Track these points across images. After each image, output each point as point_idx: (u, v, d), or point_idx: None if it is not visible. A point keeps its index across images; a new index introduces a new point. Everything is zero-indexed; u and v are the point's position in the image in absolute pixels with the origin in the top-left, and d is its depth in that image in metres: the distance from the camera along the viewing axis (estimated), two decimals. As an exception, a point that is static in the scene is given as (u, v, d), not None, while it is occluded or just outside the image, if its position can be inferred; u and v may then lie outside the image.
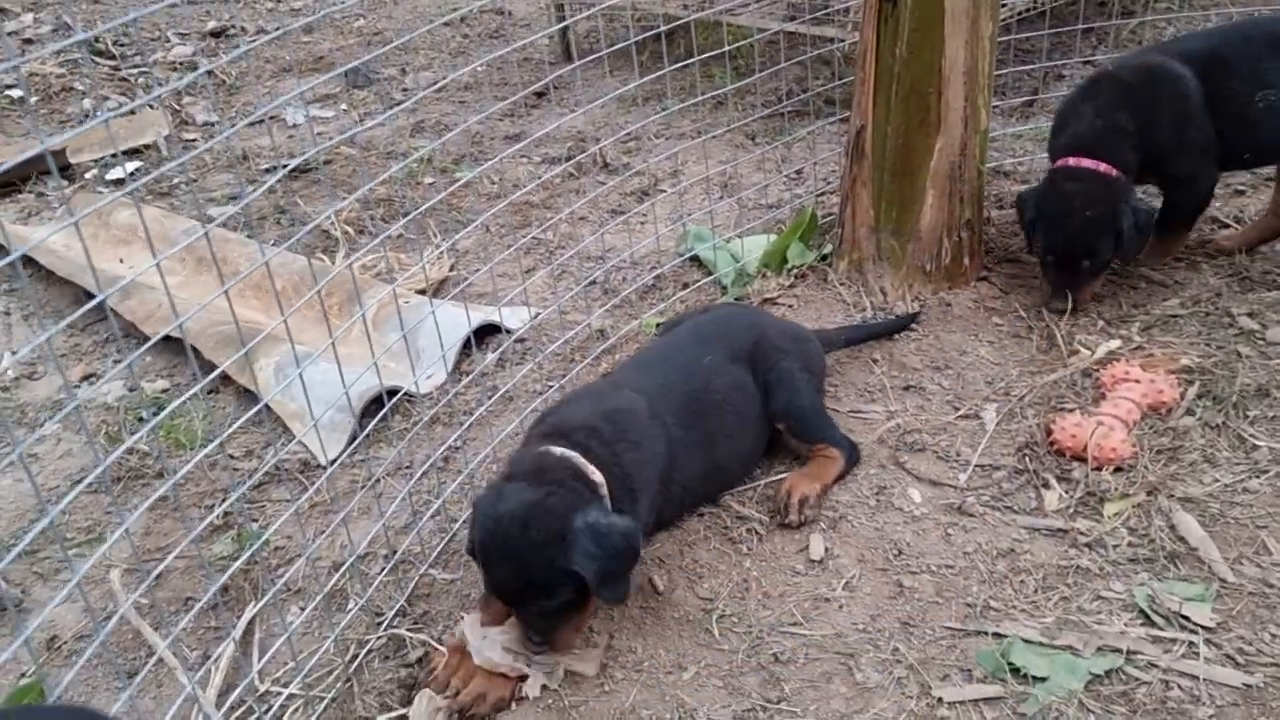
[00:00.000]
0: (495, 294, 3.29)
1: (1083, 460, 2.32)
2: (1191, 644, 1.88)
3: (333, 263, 3.67)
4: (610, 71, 4.63)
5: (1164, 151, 2.75)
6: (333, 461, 2.61)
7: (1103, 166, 2.70)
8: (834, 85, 3.79)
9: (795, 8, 4.28)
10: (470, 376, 2.88)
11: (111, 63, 5.63)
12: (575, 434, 2.03)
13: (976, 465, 2.38)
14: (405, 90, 5.20)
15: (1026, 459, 2.37)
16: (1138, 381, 2.45)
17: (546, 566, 1.82)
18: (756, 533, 2.25)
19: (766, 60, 3.91)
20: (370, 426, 2.37)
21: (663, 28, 3.05)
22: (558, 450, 1.98)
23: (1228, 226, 3.08)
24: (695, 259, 3.33)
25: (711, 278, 3.21)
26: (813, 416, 2.36)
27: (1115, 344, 2.64)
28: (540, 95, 4.86)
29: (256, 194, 2.14)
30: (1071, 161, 2.74)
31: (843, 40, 3.94)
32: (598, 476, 1.96)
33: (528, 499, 1.86)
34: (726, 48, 3.19)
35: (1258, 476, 2.21)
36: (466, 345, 3.05)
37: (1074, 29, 3.64)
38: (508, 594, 1.90)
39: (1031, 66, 3.86)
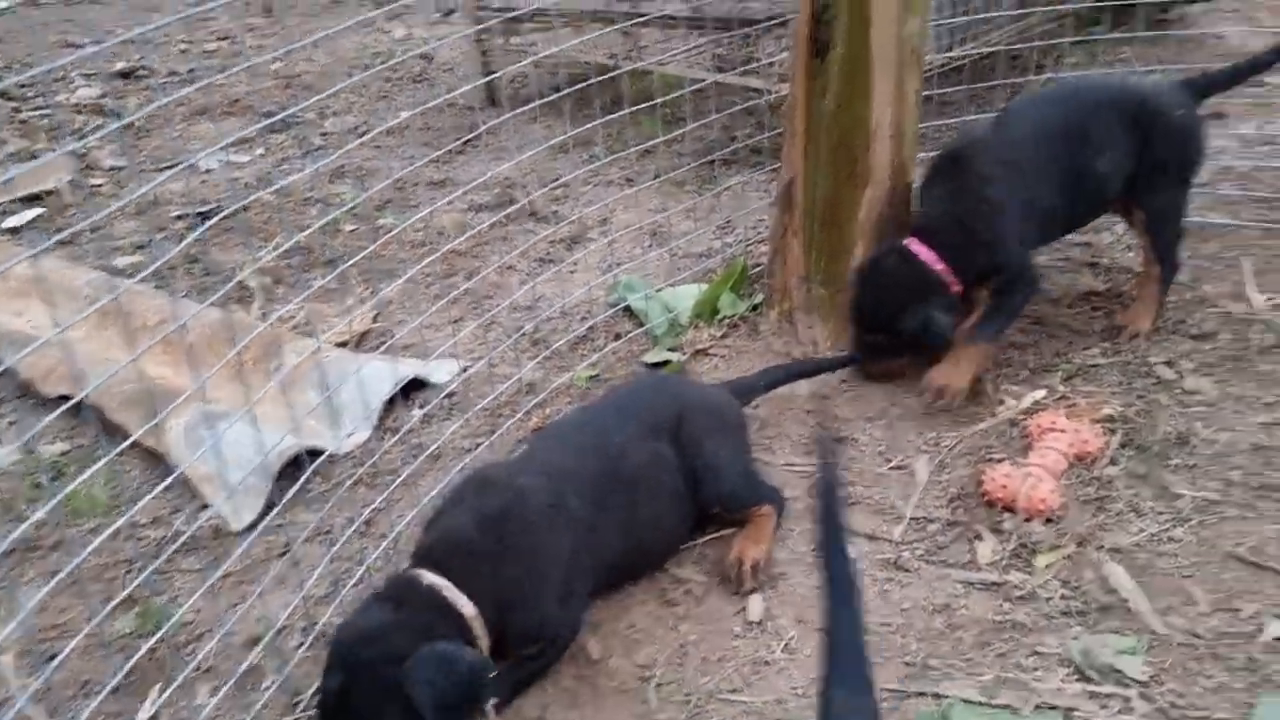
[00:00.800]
0: (422, 346, 3.20)
1: (1013, 511, 2.33)
2: (1126, 699, 1.88)
3: (248, 313, 3.53)
4: (536, 118, 4.60)
5: (1005, 261, 2.70)
6: (247, 528, 2.48)
7: (925, 254, 2.65)
8: (762, 136, 3.83)
9: (722, 59, 4.33)
10: (396, 435, 2.78)
11: (11, 104, 5.40)
12: (450, 559, 1.94)
13: (911, 518, 2.37)
14: (324, 134, 5.10)
15: (959, 511, 2.37)
16: (1063, 431, 2.48)
17: (376, 687, 1.72)
18: (693, 594, 2.20)
19: (695, 110, 3.93)
20: (291, 492, 2.25)
21: (594, 78, 3.03)
22: (428, 579, 1.89)
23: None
24: (627, 309, 3.30)
25: (644, 329, 3.18)
26: (744, 490, 2.32)
27: (1040, 394, 2.68)
28: (467, 141, 4.81)
29: (174, 253, 2.03)
30: (905, 240, 2.70)
31: (770, 91, 3.99)
32: (468, 609, 1.88)
33: (379, 619, 1.80)
34: (659, 99, 3.19)
35: (1181, 525, 2.24)
36: (391, 401, 2.96)
37: (992, 84, 3.75)
38: (327, 710, 1.76)
39: (953, 120, 3.95)
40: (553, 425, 2.56)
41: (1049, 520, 2.30)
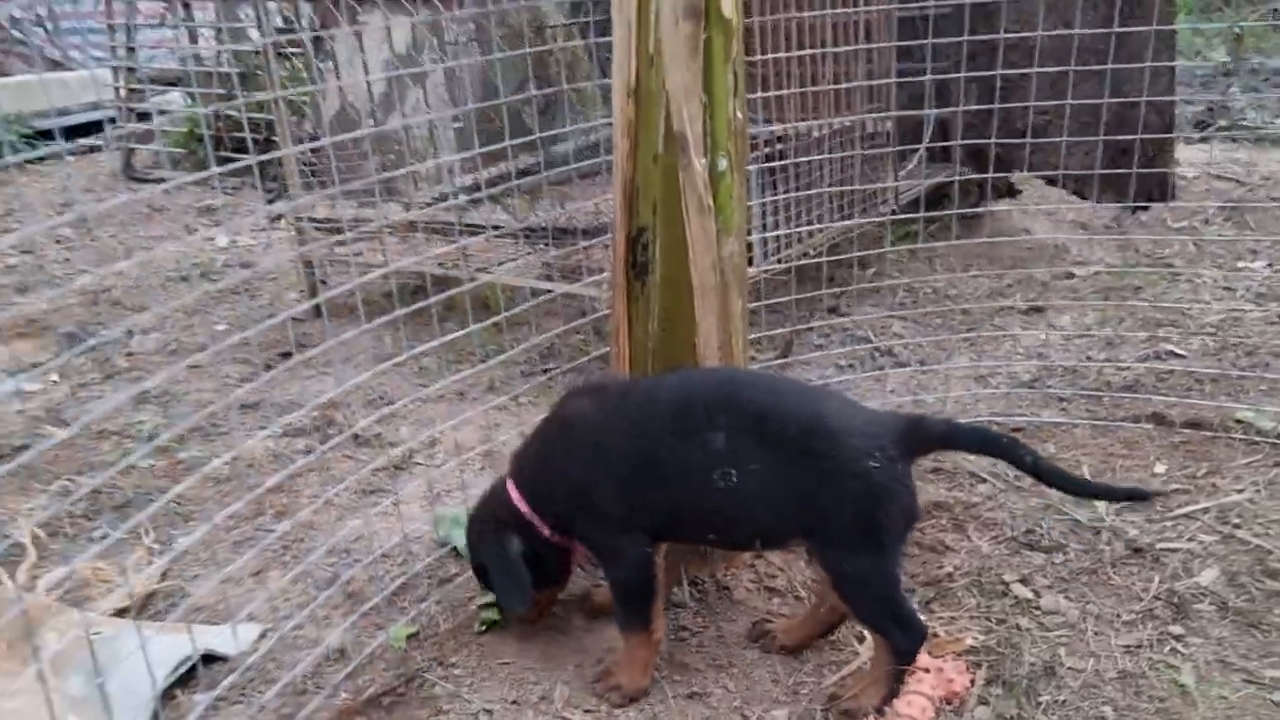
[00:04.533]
0: (221, 607, 2.79)
1: (888, 780, 2.09)
2: None
3: (13, 578, 3.03)
4: (364, 331, 4.37)
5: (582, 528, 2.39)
6: None
7: (516, 495, 2.42)
8: (603, 349, 3.69)
9: (549, 268, 4.26)
10: (173, 731, 2.34)
11: None
12: None
13: (774, 795, 2.10)
14: (130, 354, 4.70)
15: (826, 780, 2.12)
16: (927, 670, 2.29)
17: None
18: None
19: (533, 321, 3.79)
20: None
21: (428, 286, 2.84)
22: None
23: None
24: (455, 548, 2.99)
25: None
26: None
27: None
28: (285, 355, 4.51)
29: None
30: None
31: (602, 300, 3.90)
32: None
33: None
34: (503, 313, 3.01)
35: (1064, 779, 2.05)
36: (178, 683, 2.52)
37: (818, 293, 3.77)
38: None
39: (781, 331, 3.94)
40: None
41: (927, 788, 2.07)
